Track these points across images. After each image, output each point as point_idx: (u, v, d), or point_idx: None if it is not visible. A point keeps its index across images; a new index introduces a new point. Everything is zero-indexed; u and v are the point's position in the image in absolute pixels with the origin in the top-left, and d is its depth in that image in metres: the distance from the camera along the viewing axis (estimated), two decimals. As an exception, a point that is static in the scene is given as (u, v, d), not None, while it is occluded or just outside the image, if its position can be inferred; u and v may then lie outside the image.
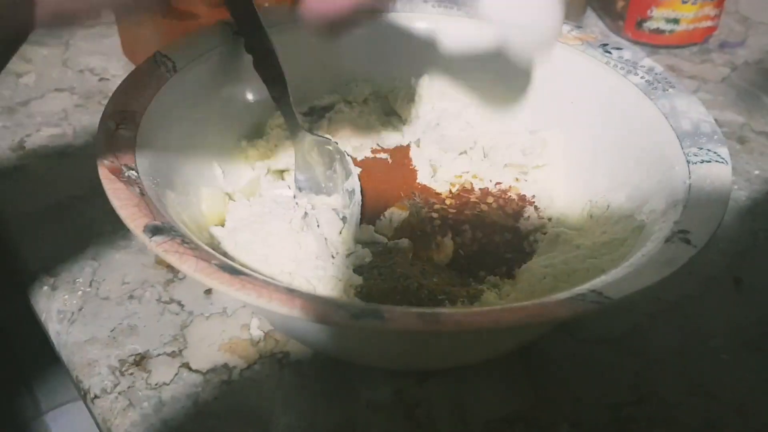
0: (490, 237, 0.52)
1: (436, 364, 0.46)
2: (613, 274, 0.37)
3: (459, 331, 0.33)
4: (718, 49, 0.83)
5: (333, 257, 0.47)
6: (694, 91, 0.69)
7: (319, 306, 0.34)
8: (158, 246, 0.36)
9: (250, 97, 0.55)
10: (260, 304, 0.34)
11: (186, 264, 0.35)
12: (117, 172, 0.41)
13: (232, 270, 0.36)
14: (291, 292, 0.35)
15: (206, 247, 0.38)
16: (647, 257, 0.38)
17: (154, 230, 0.37)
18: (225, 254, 0.45)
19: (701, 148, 0.46)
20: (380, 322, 0.33)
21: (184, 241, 0.37)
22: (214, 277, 0.35)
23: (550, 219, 0.54)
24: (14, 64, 0.73)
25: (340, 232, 0.49)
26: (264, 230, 0.47)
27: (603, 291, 0.35)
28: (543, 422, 0.45)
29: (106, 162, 0.41)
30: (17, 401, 0.80)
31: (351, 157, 0.56)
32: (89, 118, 0.67)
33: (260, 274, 0.39)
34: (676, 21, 0.80)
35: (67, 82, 0.72)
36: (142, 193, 0.40)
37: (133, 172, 0.42)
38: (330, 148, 0.54)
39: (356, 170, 0.54)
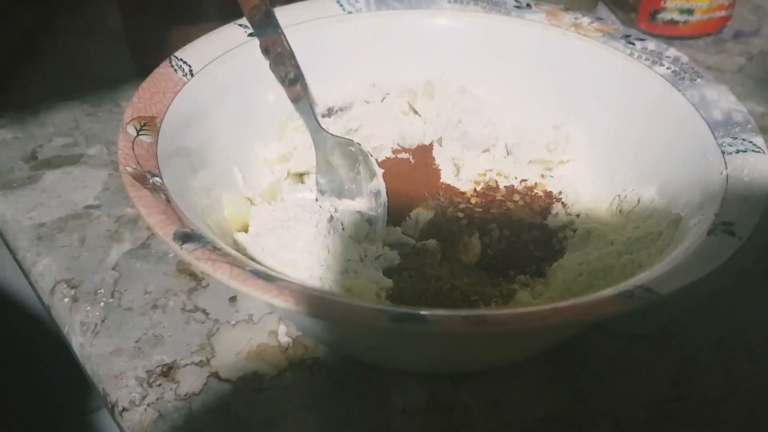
0: (518, 235, 0.51)
1: (472, 366, 0.45)
2: (659, 269, 0.36)
3: (505, 332, 0.32)
4: (732, 39, 0.82)
5: (362, 260, 0.46)
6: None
7: (360, 311, 0.33)
8: (190, 253, 0.35)
9: (268, 98, 0.54)
10: (299, 310, 0.33)
11: (220, 271, 0.34)
12: (141, 179, 0.40)
13: (267, 276, 0.35)
14: (330, 298, 0.34)
15: (237, 254, 0.37)
16: (691, 251, 0.37)
17: (184, 237, 0.36)
18: (252, 260, 0.44)
19: (735, 138, 0.45)
20: (423, 325, 0.32)
21: (215, 247, 0.36)
22: (249, 284, 0.34)
23: (578, 215, 0.53)
24: (23, 73, 0.72)
25: (367, 235, 0.48)
26: (290, 235, 0.46)
27: (651, 287, 0.34)
28: (582, 422, 0.44)
29: (129, 169, 0.41)
30: (78, 395, 0.79)
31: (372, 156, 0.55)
32: (100, 127, 0.66)
33: (292, 279, 0.38)
34: (690, 11, 0.79)
35: (76, 91, 0.71)
36: (168, 200, 0.39)
37: (158, 178, 0.41)
38: (353, 149, 0.53)
39: (380, 171, 0.53)
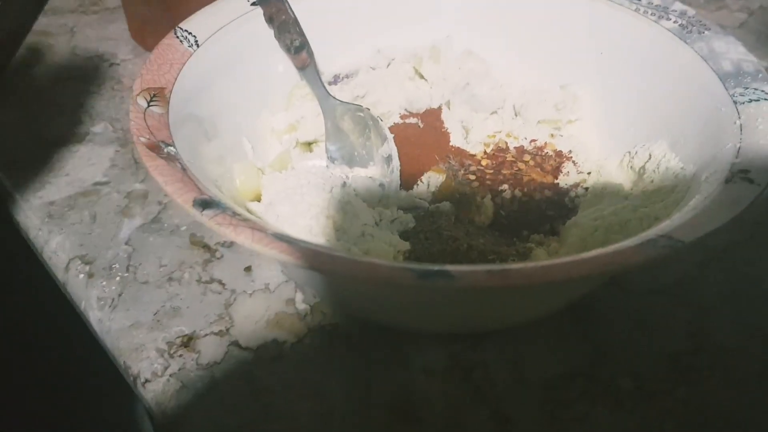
0: (530, 195, 0.51)
1: (492, 324, 0.45)
2: (679, 218, 0.36)
3: (530, 286, 0.32)
4: (732, -5, 0.82)
5: (377, 224, 0.46)
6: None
7: (386, 269, 0.33)
8: (211, 219, 0.35)
9: (274, 67, 0.54)
10: (325, 271, 0.33)
11: (242, 235, 0.34)
12: (156, 149, 0.40)
13: (289, 239, 0.35)
14: (355, 258, 0.34)
15: (258, 218, 0.37)
16: (710, 199, 0.37)
17: (204, 204, 0.36)
18: (268, 228, 0.44)
19: (747, 88, 0.45)
20: (449, 280, 0.32)
21: (235, 213, 0.36)
22: (272, 246, 0.34)
23: (589, 173, 0.53)
24: (22, 55, 0.72)
25: (381, 199, 0.48)
26: (305, 201, 0.45)
27: (673, 235, 0.34)
28: (602, 376, 0.44)
29: (143, 139, 0.40)
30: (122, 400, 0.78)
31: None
32: (104, 104, 0.66)
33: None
34: (690, -32, 0.78)
35: (77, 70, 0.70)
36: (184, 169, 0.39)
37: (172, 147, 0.41)
38: (362, 114, 0.53)
39: (391, 135, 0.52)
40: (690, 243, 0.34)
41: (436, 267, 0.33)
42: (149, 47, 0.70)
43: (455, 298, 0.38)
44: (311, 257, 0.33)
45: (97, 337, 0.48)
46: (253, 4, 0.53)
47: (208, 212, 0.36)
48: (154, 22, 0.68)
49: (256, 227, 0.35)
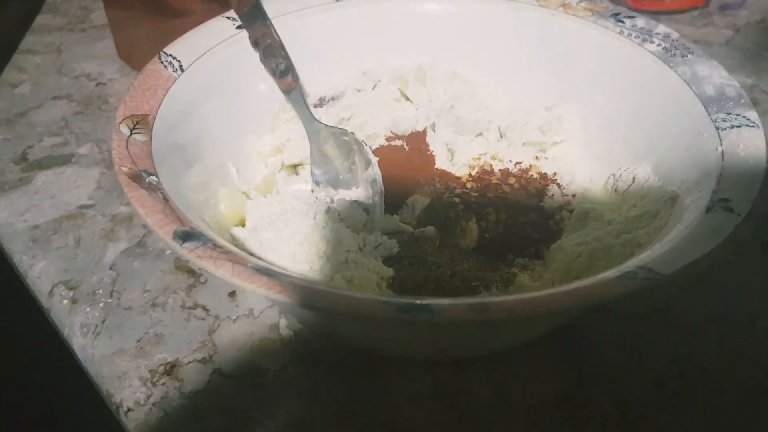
0: (515, 218, 0.51)
1: (476, 352, 0.45)
2: (659, 248, 0.36)
3: (509, 320, 0.32)
4: (719, 12, 0.82)
5: (361, 250, 0.46)
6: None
7: (365, 303, 0.33)
8: (191, 252, 0.35)
9: (259, 90, 0.54)
10: (304, 305, 0.33)
11: (222, 269, 0.34)
12: (138, 179, 0.40)
13: (270, 273, 0.35)
14: (334, 291, 0.34)
15: (238, 250, 0.37)
16: (690, 229, 0.37)
17: (185, 236, 0.36)
18: (251, 255, 0.44)
19: (729, 113, 0.45)
20: (429, 315, 0.32)
21: (216, 245, 0.36)
22: (252, 281, 0.34)
23: (574, 196, 0.53)
24: (8, 74, 0.71)
25: (365, 224, 0.48)
26: (288, 228, 0.45)
27: (653, 267, 0.34)
28: (587, 401, 0.44)
29: (125, 169, 0.40)
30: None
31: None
32: (90, 125, 0.66)
33: (294, 273, 0.38)
34: (677, -14, 0.79)
35: (63, 89, 0.70)
36: (166, 199, 0.39)
37: (154, 177, 0.41)
38: (346, 138, 0.53)
39: (375, 159, 0.52)
40: (669, 275, 0.34)
41: (416, 301, 0.33)
42: (136, 67, 0.70)
43: (436, 329, 0.38)
44: (291, 291, 0.33)
45: (81, 364, 0.48)
46: (239, 27, 0.53)
47: (188, 245, 0.36)
48: (140, 42, 0.68)
49: (237, 260, 0.35)
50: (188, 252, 0.35)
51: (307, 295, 0.33)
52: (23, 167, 0.61)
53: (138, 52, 0.69)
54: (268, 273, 0.34)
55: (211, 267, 0.34)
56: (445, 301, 0.33)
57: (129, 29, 0.69)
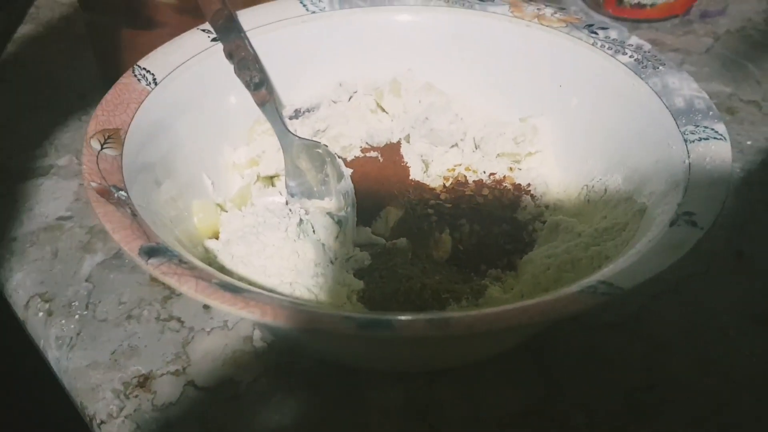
0: (489, 229, 0.52)
1: (445, 364, 0.45)
2: (621, 263, 0.37)
3: (470, 335, 0.33)
4: (699, 20, 0.82)
5: (332, 263, 0.47)
6: (678, 65, 0.68)
7: (325, 319, 0.33)
8: (155, 268, 0.35)
9: (234, 103, 0.54)
10: (265, 321, 0.33)
11: (186, 285, 0.34)
12: (106, 194, 0.40)
13: (234, 288, 0.35)
14: (295, 306, 0.34)
15: (204, 266, 0.37)
16: (653, 242, 0.38)
17: (150, 252, 0.36)
18: (222, 268, 0.44)
19: (697, 126, 0.45)
20: (389, 331, 0.33)
21: (182, 261, 0.36)
22: (215, 297, 0.34)
23: (547, 207, 0.53)
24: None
25: (337, 237, 0.49)
26: (260, 241, 0.46)
27: (613, 281, 0.35)
28: (556, 413, 0.44)
29: (94, 184, 0.40)
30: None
31: (341, 157, 0.55)
32: (70, 136, 0.66)
33: (261, 287, 0.38)
34: (657, -6, 0.79)
35: (44, 100, 0.70)
36: (134, 214, 0.39)
37: (123, 192, 0.41)
38: (319, 151, 0.53)
39: (348, 171, 0.53)
40: (628, 290, 0.34)
41: (377, 317, 0.33)
42: (115, 77, 0.70)
43: (401, 343, 0.38)
44: (253, 308, 0.33)
45: (56, 376, 0.48)
46: (214, 39, 0.53)
47: (153, 261, 0.36)
48: (116, 53, 0.68)
49: (201, 276, 0.35)
50: (153, 268, 0.35)
51: (268, 312, 0.33)
52: (1, 178, 0.61)
53: (114, 62, 0.69)
54: (232, 289, 0.35)
55: (176, 283, 0.35)
56: (406, 317, 0.33)
57: (106, 40, 0.69)
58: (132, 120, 0.46)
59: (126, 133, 0.45)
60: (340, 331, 0.33)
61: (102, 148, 0.43)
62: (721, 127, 0.45)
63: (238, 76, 0.53)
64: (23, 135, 0.66)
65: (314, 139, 0.55)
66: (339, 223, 0.49)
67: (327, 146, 0.53)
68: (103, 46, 0.71)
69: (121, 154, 0.44)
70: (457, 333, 0.33)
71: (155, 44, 0.52)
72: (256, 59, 0.53)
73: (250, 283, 0.42)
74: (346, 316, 0.33)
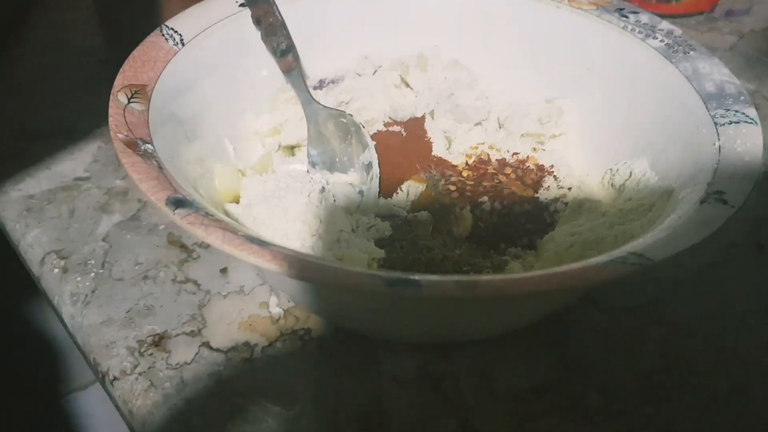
0: (510, 208, 0.51)
1: (463, 336, 0.45)
2: (652, 236, 0.36)
3: (499, 298, 0.32)
4: (723, 18, 0.82)
5: (353, 231, 0.46)
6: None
7: (354, 276, 0.33)
8: (182, 218, 0.35)
9: (259, 69, 0.54)
10: (293, 275, 0.33)
11: (213, 235, 0.34)
12: (133, 146, 0.40)
13: (261, 242, 0.35)
14: (324, 263, 0.34)
15: (230, 220, 0.37)
16: (684, 219, 0.37)
17: (177, 203, 0.36)
18: (244, 229, 0.44)
19: (728, 110, 0.45)
20: (416, 289, 0.32)
21: (208, 213, 0.36)
22: (243, 248, 0.34)
23: (570, 188, 0.53)
24: (12, 47, 0.71)
25: (359, 206, 0.48)
26: (282, 205, 0.45)
27: (644, 253, 0.34)
28: (572, 391, 0.44)
29: (120, 135, 0.40)
30: (51, 378, 0.78)
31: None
32: (90, 99, 0.65)
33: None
34: (682, -11, 0.79)
35: (65, 65, 0.70)
36: (160, 167, 0.39)
37: (149, 145, 0.41)
38: (344, 120, 0.53)
39: (372, 143, 0.52)
40: (659, 262, 0.34)
41: (404, 275, 0.33)
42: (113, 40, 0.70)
43: (424, 307, 0.38)
44: (281, 260, 0.33)
45: (69, 332, 0.48)
46: (242, 5, 0.53)
47: (180, 211, 0.36)
48: (125, 15, 0.67)
49: (228, 228, 0.35)
50: (180, 218, 0.35)
51: (297, 266, 0.33)
52: (21, 138, 0.61)
53: (121, 25, 0.69)
54: (258, 242, 0.34)
55: (202, 234, 0.34)
56: (434, 277, 0.33)
57: (114, 9, 0.68)
58: (159, 77, 0.46)
59: (153, 89, 0.45)
60: (367, 288, 0.32)
61: (129, 102, 0.43)
62: (752, 112, 0.44)
63: (265, 42, 0.52)
64: (43, 97, 0.65)
65: (339, 110, 0.54)
66: (360, 193, 0.49)
67: (352, 116, 0.53)
68: (108, 6, 0.70)
69: (148, 109, 0.43)
70: (485, 295, 0.32)
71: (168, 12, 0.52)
72: (283, 26, 0.53)
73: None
74: (373, 274, 0.33)
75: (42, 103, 0.65)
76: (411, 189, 0.52)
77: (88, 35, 0.74)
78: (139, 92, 0.44)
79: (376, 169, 0.51)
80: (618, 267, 0.34)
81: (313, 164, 0.53)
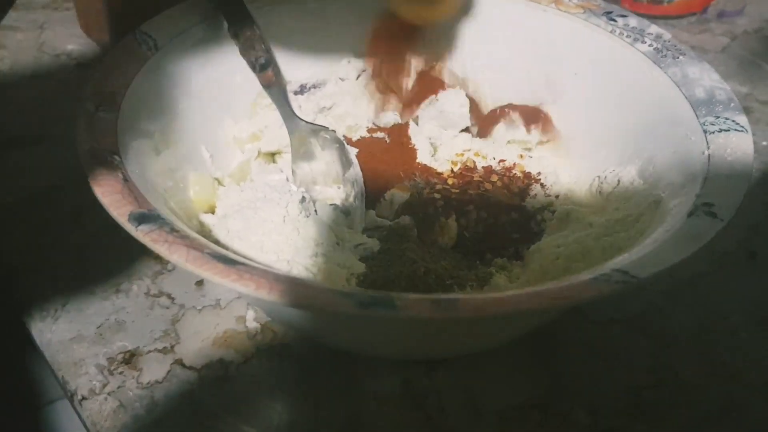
0: (496, 217, 0.50)
1: (446, 352, 0.43)
2: (637, 252, 0.35)
3: (478, 318, 0.31)
4: (716, 19, 0.80)
5: (338, 244, 0.45)
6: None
7: (323, 296, 0.31)
8: (145, 235, 0.34)
9: (238, 74, 0.52)
10: (259, 295, 0.31)
11: (176, 254, 0.33)
12: (98, 157, 0.38)
13: (227, 260, 0.33)
14: (292, 281, 0.32)
15: (197, 236, 0.35)
16: (671, 233, 0.36)
17: (140, 218, 0.35)
18: (217, 242, 0.42)
19: (718, 117, 0.43)
20: (391, 311, 0.31)
21: (173, 229, 0.35)
22: (207, 267, 0.32)
23: (557, 196, 0.51)
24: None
25: (345, 224, 0.47)
26: (258, 216, 0.44)
27: (629, 270, 0.33)
28: (558, 409, 0.42)
29: (86, 146, 0.39)
30: (30, 388, 0.76)
31: (347, 137, 0.53)
32: (67, 104, 0.63)
33: (256, 262, 0.36)
34: (675, -10, 0.77)
35: (43, 69, 0.68)
36: (126, 179, 0.38)
37: (116, 156, 0.39)
38: (327, 136, 0.51)
39: (356, 160, 0.51)
40: (644, 279, 0.32)
41: (378, 295, 0.31)
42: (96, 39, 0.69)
43: (402, 327, 0.36)
44: (247, 280, 0.32)
45: (38, 349, 0.46)
46: (216, 8, 0.51)
47: (143, 227, 0.34)
48: (97, 13, 0.66)
49: (193, 246, 0.33)
50: (143, 235, 0.34)
51: (264, 285, 0.31)
52: (-4, 144, 0.59)
53: (96, 23, 0.67)
54: (224, 260, 0.33)
55: (165, 252, 0.33)
56: (409, 296, 0.31)
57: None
58: (130, 84, 0.44)
59: (123, 97, 0.43)
60: (338, 310, 0.31)
61: (97, 111, 0.41)
62: (742, 119, 0.43)
63: (243, 56, 0.51)
64: (19, 102, 0.64)
65: (319, 116, 0.53)
66: (346, 212, 0.47)
67: (335, 132, 0.51)
68: (85, 6, 0.68)
69: (117, 118, 0.42)
70: (464, 316, 0.31)
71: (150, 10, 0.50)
72: (261, 39, 0.51)
73: (245, 258, 0.40)
74: (345, 293, 0.31)
75: (18, 109, 0.63)
76: (395, 197, 0.50)
77: (69, 37, 0.72)
78: (108, 100, 0.43)
79: (361, 187, 0.50)
80: (602, 286, 0.32)
81: (295, 180, 0.51)
